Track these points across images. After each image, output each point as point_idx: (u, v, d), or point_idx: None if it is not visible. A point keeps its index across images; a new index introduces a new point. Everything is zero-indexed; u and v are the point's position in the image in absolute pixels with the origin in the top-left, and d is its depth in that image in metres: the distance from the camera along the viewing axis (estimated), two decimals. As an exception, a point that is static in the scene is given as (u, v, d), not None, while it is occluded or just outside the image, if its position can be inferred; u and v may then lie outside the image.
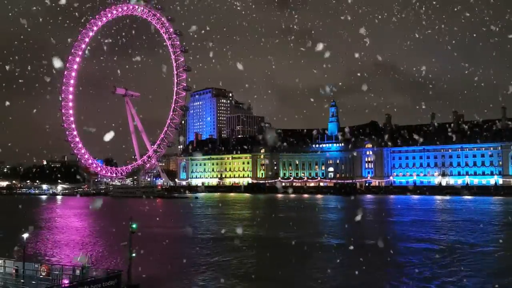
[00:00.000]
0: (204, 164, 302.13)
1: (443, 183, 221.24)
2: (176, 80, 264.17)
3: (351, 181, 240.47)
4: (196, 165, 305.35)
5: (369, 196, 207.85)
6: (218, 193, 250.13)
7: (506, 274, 44.02)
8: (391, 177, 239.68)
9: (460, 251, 55.04)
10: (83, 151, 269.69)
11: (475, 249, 57.04)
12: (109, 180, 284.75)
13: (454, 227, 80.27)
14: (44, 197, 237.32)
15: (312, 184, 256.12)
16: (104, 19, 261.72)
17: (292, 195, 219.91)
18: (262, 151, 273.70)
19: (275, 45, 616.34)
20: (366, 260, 48.43)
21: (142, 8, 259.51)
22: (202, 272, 45.16)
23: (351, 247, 55.42)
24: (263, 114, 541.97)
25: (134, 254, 35.47)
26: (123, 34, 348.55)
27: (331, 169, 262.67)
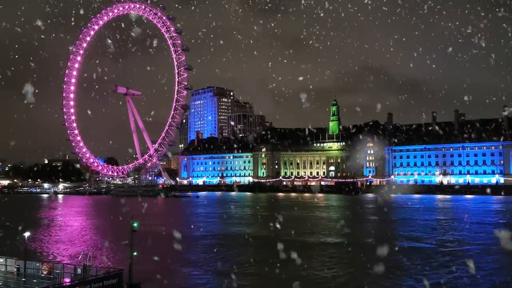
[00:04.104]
0: (205, 163, 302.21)
1: (444, 182, 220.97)
2: (177, 79, 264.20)
3: (352, 180, 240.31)
4: (197, 164, 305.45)
5: (370, 195, 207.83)
6: (220, 192, 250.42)
7: (481, 271, 44.51)
8: (392, 176, 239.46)
9: (447, 250, 55.46)
10: (84, 150, 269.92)
11: (461, 247, 57.66)
12: (110, 179, 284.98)
13: (445, 226, 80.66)
14: (45, 196, 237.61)
15: (313, 183, 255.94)
16: (105, 18, 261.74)
17: (293, 194, 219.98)
18: (263, 150, 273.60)
19: (274, 47, 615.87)
20: (358, 258, 48.64)
21: (143, 7, 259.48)
22: (203, 271, 45.26)
23: (348, 246, 55.72)
24: (264, 113, 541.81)
25: (135, 253, 35.50)
26: (124, 32, 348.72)
27: (332, 168, 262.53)
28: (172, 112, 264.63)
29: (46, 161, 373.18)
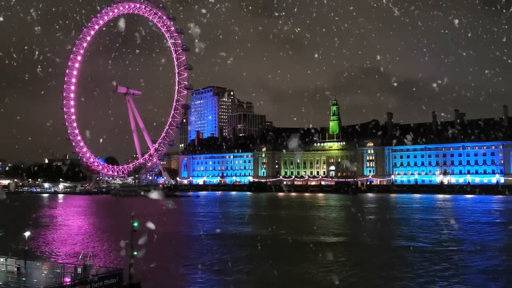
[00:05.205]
0: (206, 163, 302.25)
1: (445, 182, 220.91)
2: (177, 79, 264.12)
3: (352, 180, 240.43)
4: (198, 163, 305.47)
5: (370, 195, 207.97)
6: (220, 192, 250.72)
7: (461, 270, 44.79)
8: (392, 176, 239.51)
9: (443, 249, 55.75)
10: (84, 149, 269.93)
11: (458, 246, 57.85)
12: (111, 178, 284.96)
13: (442, 226, 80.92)
14: (45, 195, 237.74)
15: (313, 183, 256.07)
16: (106, 17, 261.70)
17: (294, 194, 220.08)
18: (264, 149, 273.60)
19: (274, 48, 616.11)
20: (356, 258, 48.69)
21: (143, 6, 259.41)
22: (203, 270, 45.34)
23: (346, 246, 55.79)
24: (264, 113, 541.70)
25: (135, 253, 35.55)
26: (125, 32, 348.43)
27: (332, 167, 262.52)
28: (173, 112, 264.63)
29: (46, 161, 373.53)
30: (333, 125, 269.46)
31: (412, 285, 39.38)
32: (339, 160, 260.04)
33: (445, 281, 40.38)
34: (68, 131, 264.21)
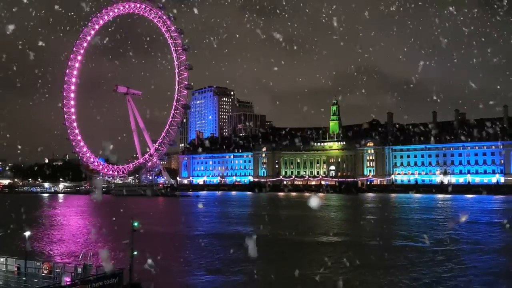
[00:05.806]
0: (206, 163, 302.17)
1: (445, 182, 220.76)
2: (177, 79, 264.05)
3: (352, 179, 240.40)
4: (198, 163, 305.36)
5: (370, 194, 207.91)
6: (220, 191, 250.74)
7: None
8: (392, 176, 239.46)
9: (441, 249, 55.79)
10: (84, 149, 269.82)
11: (455, 246, 57.94)
12: (111, 178, 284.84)
13: (441, 225, 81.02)
14: (45, 195, 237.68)
15: (313, 183, 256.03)
16: (106, 17, 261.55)
17: (294, 194, 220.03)
18: (264, 149, 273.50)
19: (274, 48, 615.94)
20: (355, 257, 48.74)
21: (143, 6, 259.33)
22: (203, 270, 45.35)
23: (345, 245, 55.85)
24: (264, 113, 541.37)
25: (135, 252, 35.55)
26: (125, 32, 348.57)
27: (332, 167, 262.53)
28: (173, 112, 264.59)
29: (46, 161, 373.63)
30: (333, 125, 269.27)
31: (415, 285, 39.35)
32: (339, 160, 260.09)
33: (450, 281, 40.34)
34: (68, 131, 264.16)
